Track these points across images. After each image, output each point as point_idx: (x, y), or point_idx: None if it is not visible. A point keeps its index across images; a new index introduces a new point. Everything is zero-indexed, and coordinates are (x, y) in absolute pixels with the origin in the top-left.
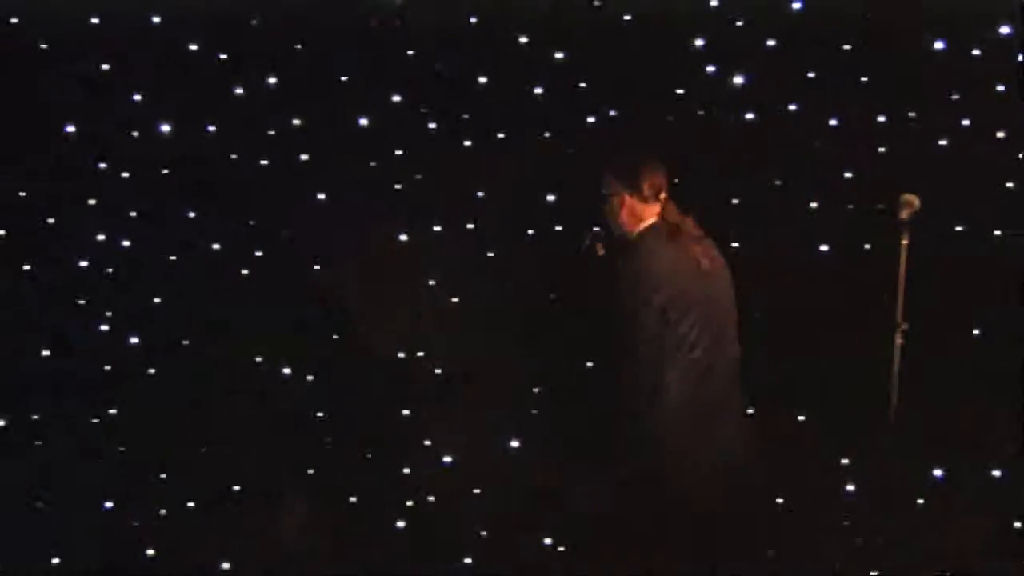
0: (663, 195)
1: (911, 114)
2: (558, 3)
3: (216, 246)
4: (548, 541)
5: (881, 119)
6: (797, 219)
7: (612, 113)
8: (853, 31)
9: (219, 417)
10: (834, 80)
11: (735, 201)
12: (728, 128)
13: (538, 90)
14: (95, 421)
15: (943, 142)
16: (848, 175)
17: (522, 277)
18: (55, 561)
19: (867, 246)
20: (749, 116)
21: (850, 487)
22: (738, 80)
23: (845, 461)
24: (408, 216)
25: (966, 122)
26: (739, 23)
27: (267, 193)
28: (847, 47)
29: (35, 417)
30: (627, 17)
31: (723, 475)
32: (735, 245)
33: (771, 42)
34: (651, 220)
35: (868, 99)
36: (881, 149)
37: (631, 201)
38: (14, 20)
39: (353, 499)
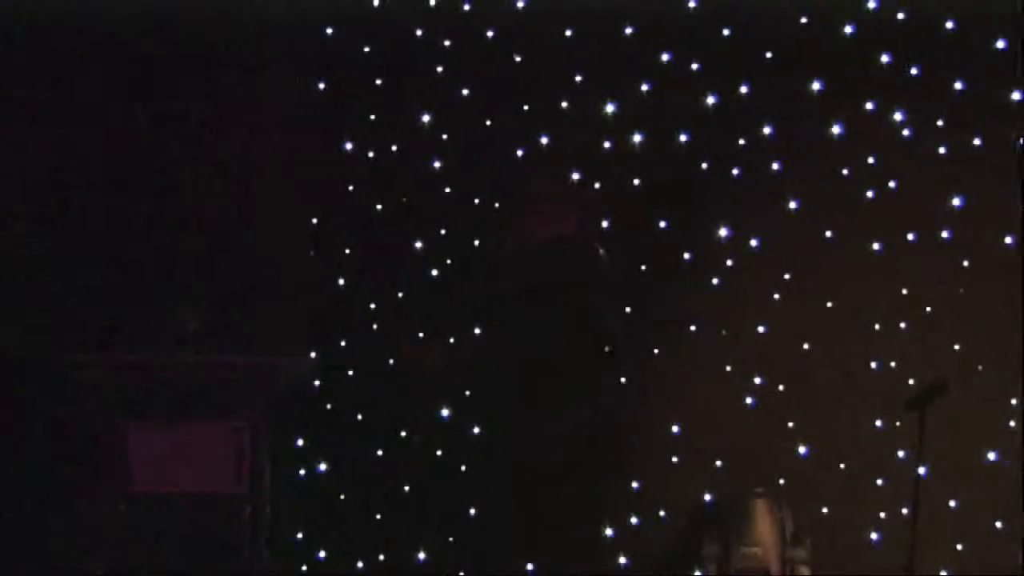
0: None
1: None
2: None
3: (687, 255)
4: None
5: None
6: None
7: None
8: None
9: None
10: None
11: None
12: None
13: (1016, 96)
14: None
15: None
16: None
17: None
18: (529, 567)
19: None
20: None
21: None
22: None
23: None
24: (881, 224)
25: None
26: None
27: (740, 201)
28: None
29: (510, 424)
30: None
31: None
32: None
33: None
34: None
35: None
36: None
37: None
38: (491, 33)
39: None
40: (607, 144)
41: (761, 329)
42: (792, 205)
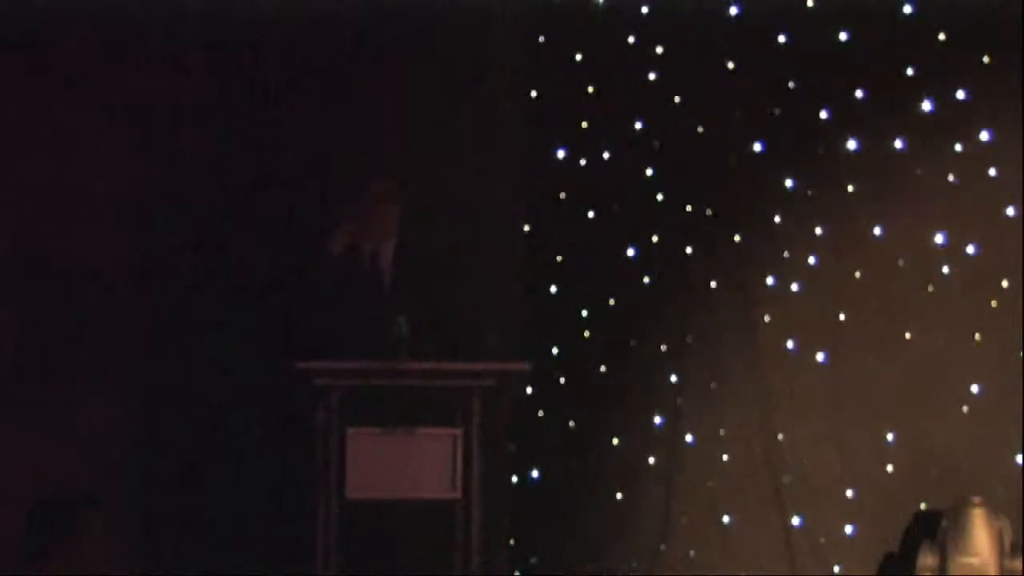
0: None
1: None
2: None
3: (901, 262)
4: None
5: None
6: None
7: None
8: None
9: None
10: None
11: None
12: None
13: None
14: (781, 437)
15: None
16: None
17: None
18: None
19: None
20: None
21: None
22: None
23: None
24: None
25: None
26: None
27: (956, 207)
28: None
29: (723, 432)
30: None
31: None
32: None
33: None
34: None
35: None
36: None
37: None
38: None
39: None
40: (820, 150)
41: (977, 336)
42: (1010, 211)
